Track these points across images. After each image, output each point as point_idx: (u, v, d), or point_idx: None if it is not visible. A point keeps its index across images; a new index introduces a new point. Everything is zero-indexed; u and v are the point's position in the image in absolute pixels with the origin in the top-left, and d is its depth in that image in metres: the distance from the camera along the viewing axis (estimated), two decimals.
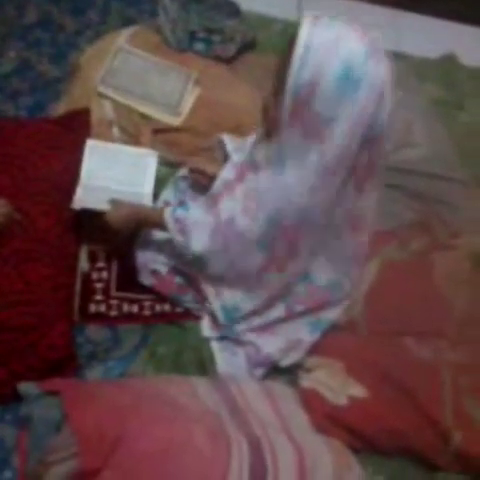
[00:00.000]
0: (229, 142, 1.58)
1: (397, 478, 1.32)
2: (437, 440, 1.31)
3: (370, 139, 1.17)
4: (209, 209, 1.36)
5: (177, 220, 1.36)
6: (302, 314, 1.42)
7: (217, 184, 1.41)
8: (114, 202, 1.41)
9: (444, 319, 1.50)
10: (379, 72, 1.12)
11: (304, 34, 1.10)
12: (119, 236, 1.45)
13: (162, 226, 1.38)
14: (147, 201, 1.51)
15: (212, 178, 1.51)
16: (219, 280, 1.39)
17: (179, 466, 1.14)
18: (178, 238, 1.35)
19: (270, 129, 1.24)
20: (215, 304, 1.40)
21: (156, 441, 1.15)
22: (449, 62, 2.31)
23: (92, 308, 1.46)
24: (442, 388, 1.38)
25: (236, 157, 1.49)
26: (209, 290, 1.41)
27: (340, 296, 1.43)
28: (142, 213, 1.43)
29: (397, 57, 2.21)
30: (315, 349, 1.41)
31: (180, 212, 1.37)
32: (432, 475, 1.32)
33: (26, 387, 1.23)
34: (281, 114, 1.15)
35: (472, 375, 1.42)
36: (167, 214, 1.36)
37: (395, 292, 1.51)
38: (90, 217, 1.43)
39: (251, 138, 1.51)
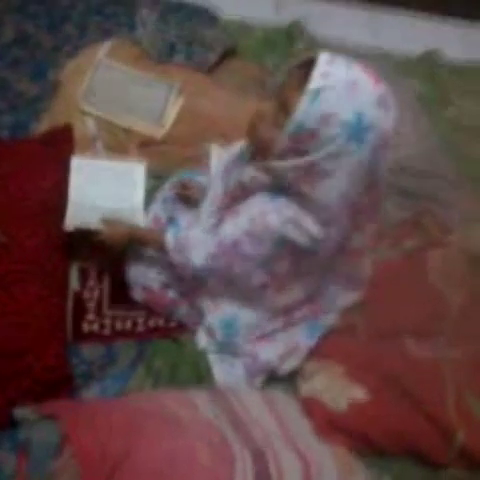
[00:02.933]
0: (214, 154, 1.58)
1: (402, 478, 1.30)
2: (441, 439, 1.30)
3: (369, 185, 1.16)
4: (210, 231, 1.33)
5: (177, 241, 1.34)
6: (299, 321, 1.41)
7: (209, 199, 1.39)
8: (108, 221, 1.39)
9: (441, 317, 1.50)
10: (387, 121, 1.10)
11: (319, 73, 1.07)
12: (111, 253, 1.43)
13: (159, 247, 1.36)
14: (139, 216, 1.49)
15: (201, 190, 1.51)
16: (217, 294, 1.37)
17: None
18: (177, 258, 1.33)
19: (258, 149, 1.21)
20: (213, 317, 1.38)
21: (159, 459, 1.13)
22: (432, 58, 2.32)
23: (85, 327, 1.44)
24: (443, 387, 1.37)
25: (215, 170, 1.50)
26: (206, 304, 1.39)
27: (336, 306, 1.43)
28: (138, 234, 1.41)
29: (379, 55, 2.25)
30: (314, 353, 1.40)
31: (180, 234, 1.36)
32: (436, 473, 1.30)
33: (23, 412, 1.21)
34: (275, 143, 1.13)
35: (472, 372, 1.42)
36: (169, 239, 1.35)
37: (391, 292, 1.51)
38: (80, 235, 1.41)
39: (233, 149, 1.51)
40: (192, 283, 1.39)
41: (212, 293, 1.38)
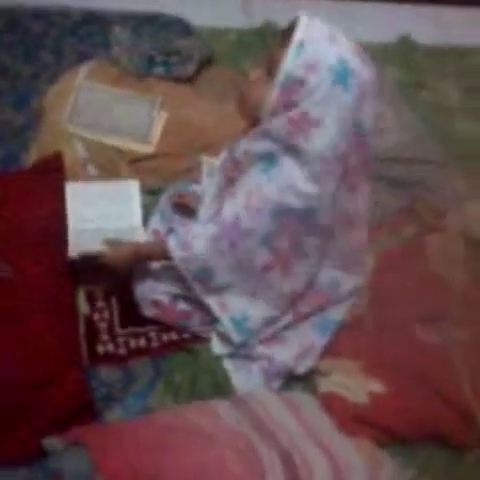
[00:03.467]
0: (205, 165, 1.62)
1: (427, 465, 1.32)
2: (461, 422, 1.33)
3: (358, 139, 1.22)
4: (210, 220, 1.36)
5: (179, 241, 1.36)
6: (308, 315, 1.43)
7: (205, 205, 1.42)
8: (111, 243, 1.40)
9: (445, 301, 1.53)
10: (366, 70, 1.20)
11: (302, 27, 1.16)
12: (117, 274, 1.45)
13: (165, 257, 1.38)
14: (140, 233, 1.51)
15: (197, 199, 1.53)
16: (223, 291, 1.39)
17: None
18: (180, 255, 1.34)
19: (251, 121, 1.27)
20: (223, 318, 1.39)
21: (191, 473, 1.14)
22: (405, 43, 2.37)
23: (100, 349, 1.45)
24: (456, 370, 1.40)
25: (208, 180, 1.55)
26: (214, 305, 1.40)
27: (342, 294, 1.44)
28: (142, 249, 1.42)
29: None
30: (328, 351, 1.42)
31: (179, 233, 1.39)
32: (461, 456, 1.33)
33: (51, 442, 1.22)
34: (265, 103, 1.20)
35: None
36: (171, 243, 1.36)
37: (394, 281, 1.53)
38: (85, 260, 1.42)
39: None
40: (198, 284, 1.39)
41: (217, 291, 1.39)
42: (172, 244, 1.36)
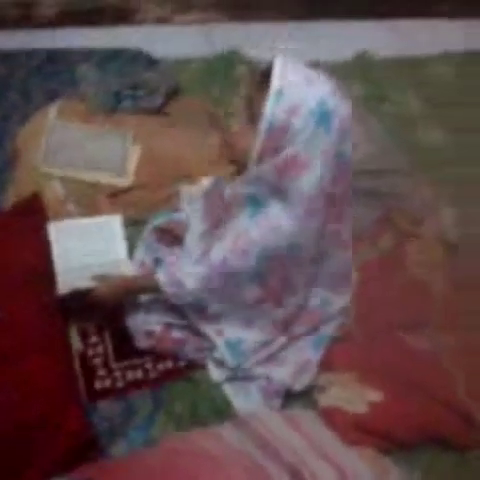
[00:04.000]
0: (184, 193, 1.66)
1: (432, 468, 1.35)
2: (461, 423, 1.36)
3: (341, 170, 1.26)
4: (199, 261, 1.39)
5: (168, 276, 1.38)
6: (302, 335, 1.46)
7: (192, 236, 1.44)
8: (100, 278, 1.42)
9: (427, 306, 1.56)
10: (343, 107, 1.23)
11: (278, 73, 1.19)
12: (107, 308, 1.45)
13: (153, 289, 1.40)
14: (126, 266, 1.52)
15: (182, 227, 1.55)
16: (218, 318, 1.42)
17: None
18: (172, 291, 1.37)
19: (239, 165, 1.31)
20: (219, 342, 1.42)
21: None
22: (363, 59, 2.42)
23: (97, 385, 1.45)
24: (449, 374, 1.43)
25: (189, 208, 1.60)
26: (209, 331, 1.43)
27: (332, 313, 1.48)
28: (130, 283, 1.44)
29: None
30: (323, 366, 1.45)
31: (169, 269, 1.40)
32: (464, 457, 1.36)
33: None
34: (251, 151, 1.23)
35: (470, 356, 1.47)
36: (160, 277, 1.38)
37: (377, 290, 1.57)
38: (75, 297, 1.43)
39: (206, 184, 1.57)
40: (193, 313, 1.42)
41: (213, 319, 1.42)
42: (163, 280, 1.38)
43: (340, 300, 1.49)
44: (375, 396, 1.38)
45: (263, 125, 1.20)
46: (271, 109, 1.18)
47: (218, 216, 1.39)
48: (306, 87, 1.19)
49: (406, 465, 1.34)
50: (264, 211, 1.28)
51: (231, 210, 1.34)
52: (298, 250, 1.31)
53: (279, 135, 1.20)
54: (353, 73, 2.36)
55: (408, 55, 2.49)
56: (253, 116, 1.24)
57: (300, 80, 1.20)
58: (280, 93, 1.18)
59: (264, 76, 1.22)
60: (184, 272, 1.38)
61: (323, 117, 1.19)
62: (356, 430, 1.35)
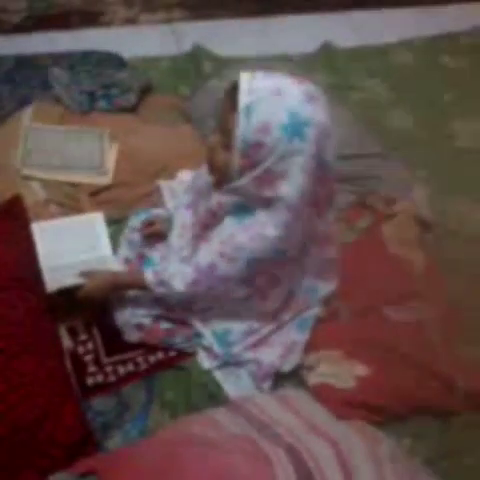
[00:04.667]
0: (165, 189, 1.69)
1: (421, 435, 1.39)
2: (444, 389, 1.41)
3: (322, 173, 1.27)
4: (185, 261, 1.42)
5: (156, 276, 1.41)
6: (289, 321, 1.50)
7: (177, 230, 1.48)
8: (87, 274, 1.44)
9: (408, 280, 1.62)
10: (319, 113, 1.21)
11: (245, 91, 1.17)
12: (95, 304, 1.48)
13: (140, 286, 1.43)
14: (111, 262, 1.54)
15: (165, 223, 1.58)
16: (205, 312, 1.45)
17: None
18: (160, 291, 1.41)
19: (220, 178, 1.32)
20: (206, 333, 1.45)
21: (206, 478, 1.17)
22: (328, 50, 2.47)
23: (90, 381, 1.46)
24: (431, 343, 1.49)
25: (172, 203, 1.62)
26: (197, 322, 1.47)
27: (319, 299, 1.52)
28: (118, 278, 1.47)
29: (281, 58, 2.37)
30: (310, 346, 1.48)
31: (157, 268, 1.44)
32: (450, 422, 1.41)
33: (59, 478, 1.22)
34: (231, 165, 1.23)
35: (450, 323, 1.54)
36: (148, 276, 1.42)
37: (359, 271, 1.61)
38: (64, 295, 1.45)
39: (185, 177, 1.60)
40: (180, 308, 1.46)
41: (200, 312, 1.46)
42: (150, 280, 1.41)
43: (326, 287, 1.52)
44: (362, 370, 1.42)
45: (236, 144, 1.19)
46: (242, 129, 1.17)
47: (205, 223, 1.40)
48: (275, 100, 1.17)
49: (395, 434, 1.38)
50: (251, 216, 1.30)
51: (217, 216, 1.36)
52: (284, 254, 1.34)
53: (254, 152, 1.20)
54: (318, 64, 2.42)
55: (368, 44, 2.56)
56: (226, 135, 1.23)
57: (268, 93, 1.17)
58: (249, 110, 1.16)
59: (231, 93, 1.20)
60: (171, 273, 1.40)
61: (296, 128, 1.17)
62: (345, 405, 1.39)
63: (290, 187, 1.23)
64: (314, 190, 1.29)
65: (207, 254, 1.36)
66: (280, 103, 1.17)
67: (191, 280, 1.37)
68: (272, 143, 1.18)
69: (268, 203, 1.27)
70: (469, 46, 2.58)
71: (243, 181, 1.24)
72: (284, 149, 1.18)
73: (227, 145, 1.23)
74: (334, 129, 1.27)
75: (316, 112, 1.20)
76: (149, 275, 1.42)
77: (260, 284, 1.41)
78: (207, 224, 1.39)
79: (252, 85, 1.18)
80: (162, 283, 1.40)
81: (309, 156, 1.21)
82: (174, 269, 1.42)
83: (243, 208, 1.31)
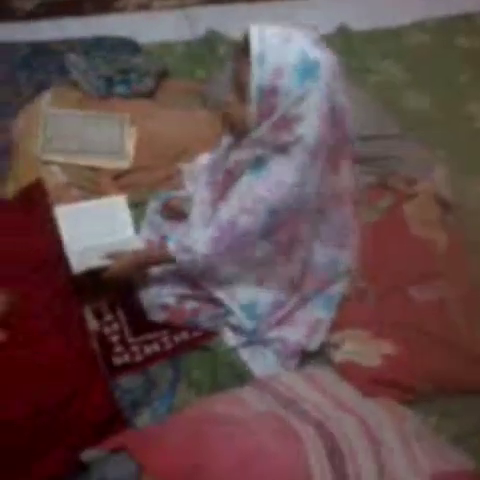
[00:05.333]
0: (186, 172, 1.70)
1: (448, 413, 1.40)
2: (469, 366, 1.43)
3: (335, 120, 1.28)
4: (207, 224, 1.43)
5: (179, 245, 1.42)
6: (312, 295, 1.50)
7: (197, 208, 1.48)
8: (112, 255, 1.45)
9: (431, 261, 1.63)
10: (327, 56, 1.25)
11: (256, 40, 1.20)
12: (120, 285, 1.49)
13: (166, 261, 1.43)
14: (137, 243, 1.55)
15: (185, 203, 1.58)
16: (230, 282, 1.46)
17: (262, 475, 1.17)
18: (184, 258, 1.41)
19: (238, 134, 1.33)
20: (233, 307, 1.46)
21: (234, 457, 1.17)
22: (343, 32, 2.47)
23: (117, 361, 1.48)
24: (454, 320, 1.50)
25: (192, 186, 1.63)
26: (223, 296, 1.47)
27: (341, 270, 1.52)
28: (143, 256, 1.48)
29: None
30: (336, 325, 1.50)
31: (178, 239, 1.44)
32: (475, 398, 1.42)
33: (90, 453, 1.24)
34: (248, 118, 1.25)
35: (472, 302, 1.55)
36: (171, 247, 1.42)
37: (382, 251, 1.62)
38: (90, 277, 1.46)
39: (204, 160, 1.61)
40: (205, 280, 1.46)
41: (225, 283, 1.46)
42: (173, 248, 1.42)
43: (345, 256, 1.53)
44: (388, 348, 1.43)
45: (252, 92, 1.22)
46: (256, 77, 1.20)
47: (223, 185, 1.41)
48: (285, 46, 1.20)
49: (422, 413, 1.39)
50: (268, 168, 1.31)
51: (235, 175, 1.37)
52: (302, 201, 1.34)
53: (270, 98, 1.23)
54: (334, 46, 2.38)
55: (382, 27, 2.55)
56: (242, 87, 1.25)
57: (278, 41, 1.21)
58: (261, 58, 1.20)
59: (243, 46, 1.23)
60: (193, 239, 1.41)
61: (307, 69, 1.21)
62: (371, 382, 1.40)
63: (306, 129, 1.25)
64: (329, 133, 1.30)
65: (226, 211, 1.37)
66: (290, 47, 1.21)
67: (213, 239, 1.38)
68: (286, 86, 1.21)
69: (285, 150, 1.28)
70: None
71: (261, 130, 1.27)
72: (297, 91, 1.22)
73: (243, 98, 1.25)
74: (350, 104, 1.33)
75: (324, 54, 1.24)
76: (171, 246, 1.43)
77: (281, 241, 1.40)
78: (225, 186, 1.40)
79: (262, 34, 1.21)
80: (185, 249, 1.41)
81: (322, 97, 1.24)
82: (196, 234, 1.43)
83: (259, 162, 1.31)
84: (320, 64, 1.22)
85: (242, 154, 1.34)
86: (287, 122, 1.24)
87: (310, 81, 1.22)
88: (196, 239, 1.40)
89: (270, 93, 1.22)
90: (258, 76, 1.20)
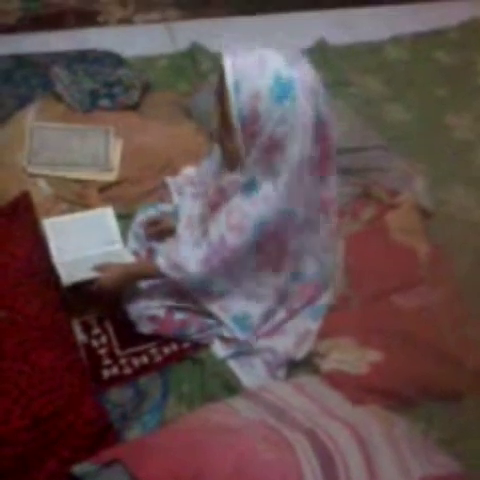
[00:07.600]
0: (171, 184, 1.72)
1: (434, 418, 1.42)
2: (454, 371, 1.45)
3: (319, 134, 1.31)
4: (197, 243, 1.45)
5: (169, 261, 1.43)
6: (301, 309, 1.52)
7: (184, 222, 1.50)
8: (101, 267, 1.45)
9: (414, 267, 1.66)
10: (304, 72, 1.27)
11: (229, 66, 1.24)
12: (108, 297, 1.49)
13: (153, 275, 1.45)
14: (124, 255, 1.56)
15: (172, 218, 1.60)
16: (222, 296, 1.47)
17: None
18: (174, 276, 1.42)
19: (232, 159, 1.35)
20: (225, 319, 1.47)
21: (229, 469, 1.17)
22: (322, 47, 2.50)
23: (105, 374, 1.48)
24: (438, 325, 1.52)
25: (178, 198, 1.65)
26: (215, 309, 1.48)
27: (325, 279, 1.55)
28: (131, 269, 1.48)
29: None
30: (322, 334, 1.51)
31: (169, 254, 1.45)
32: (462, 404, 1.44)
33: (82, 467, 1.23)
34: (236, 144, 1.28)
35: (456, 306, 1.58)
36: (160, 262, 1.43)
37: (366, 260, 1.64)
38: (79, 289, 1.46)
39: (190, 173, 1.63)
40: (197, 295, 1.47)
41: (216, 297, 1.48)
42: (163, 265, 1.43)
43: (331, 260, 1.56)
44: (374, 356, 1.45)
45: (235, 123, 1.26)
46: (235, 106, 1.24)
47: (215, 202, 1.43)
48: (259, 69, 1.23)
49: (409, 419, 1.40)
50: (258, 189, 1.34)
51: (227, 193, 1.39)
52: (288, 216, 1.37)
53: (252, 123, 1.25)
54: (313, 61, 2.43)
55: (361, 41, 2.61)
56: (225, 116, 1.29)
57: (252, 65, 1.23)
58: (237, 86, 1.23)
59: (220, 80, 1.27)
60: (183, 257, 1.42)
61: (283, 89, 1.23)
62: (359, 390, 1.41)
63: (294, 146, 1.27)
64: (314, 147, 1.33)
65: (216, 230, 1.39)
66: (264, 70, 1.23)
67: (203, 257, 1.40)
68: (265, 108, 1.24)
69: (273, 169, 1.30)
70: (459, 41, 2.63)
71: (252, 155, 1.29)
72: (278, 111, 1.24)
73: (229, 128, 1.28)
74: (333, 117, 1.35)
75: (299, 72, 1.26)
76: (161, 261, 1.44)
77: (270, 252, 1.42)
78: (216, 203, 1.42)
79: (235, 62, 1.24)
80: (175, 267, 1.42)
81: (304, 113, 1.26)
82: (186, 252, 1.44)
83: (253, 185, 1.34)
84: (296, 82, 1.24)
85: (235, 177, 1.36)
86: (276, 142, 1.27)
87: (288, 100, 1.24)
88: (186, 257, 1.42)
89: (251, 119, 1.25)
90: (236, 105, 1.24)
